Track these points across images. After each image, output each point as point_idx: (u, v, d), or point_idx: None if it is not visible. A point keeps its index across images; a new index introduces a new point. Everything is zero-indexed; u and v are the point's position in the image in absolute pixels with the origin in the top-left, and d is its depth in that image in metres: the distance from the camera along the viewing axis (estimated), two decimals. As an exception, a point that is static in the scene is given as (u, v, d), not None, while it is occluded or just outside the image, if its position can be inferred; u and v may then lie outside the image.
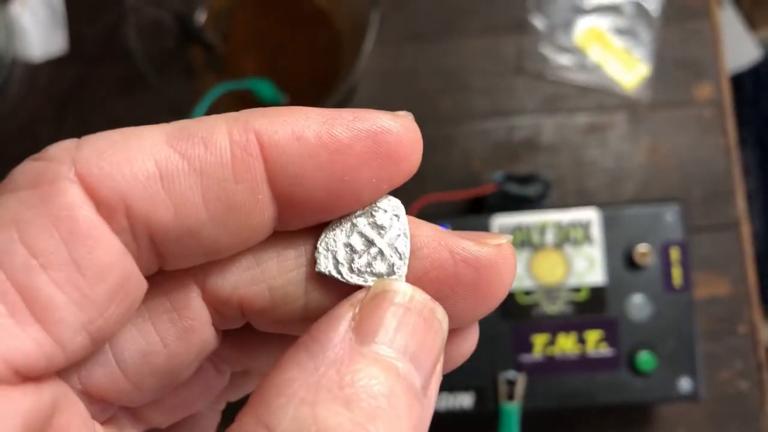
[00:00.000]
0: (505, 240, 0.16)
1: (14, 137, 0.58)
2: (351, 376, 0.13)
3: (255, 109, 0.15)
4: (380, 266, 0.16)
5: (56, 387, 0.14)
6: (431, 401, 0.15)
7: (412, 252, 0.16)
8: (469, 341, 0.17)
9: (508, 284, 0.16)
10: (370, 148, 0.15)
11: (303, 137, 0.14)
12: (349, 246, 0.16)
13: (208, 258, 0.15)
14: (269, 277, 0.16)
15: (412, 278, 0.16)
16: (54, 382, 0.14)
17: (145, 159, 0.13)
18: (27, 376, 0.13)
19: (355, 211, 0.16)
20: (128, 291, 0.14)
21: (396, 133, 0.15)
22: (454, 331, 0.17)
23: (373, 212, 0.16)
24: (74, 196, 0.13)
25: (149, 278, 0.15)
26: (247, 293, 0.16)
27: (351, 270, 0.16)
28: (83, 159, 0.13)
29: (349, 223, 0.16)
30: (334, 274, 0.16)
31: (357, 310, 0.14)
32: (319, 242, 0.16)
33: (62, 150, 0.13)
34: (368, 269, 0.16)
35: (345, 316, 0.14)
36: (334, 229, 0.16)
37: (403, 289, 0.15)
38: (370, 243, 0.16)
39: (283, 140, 0.14)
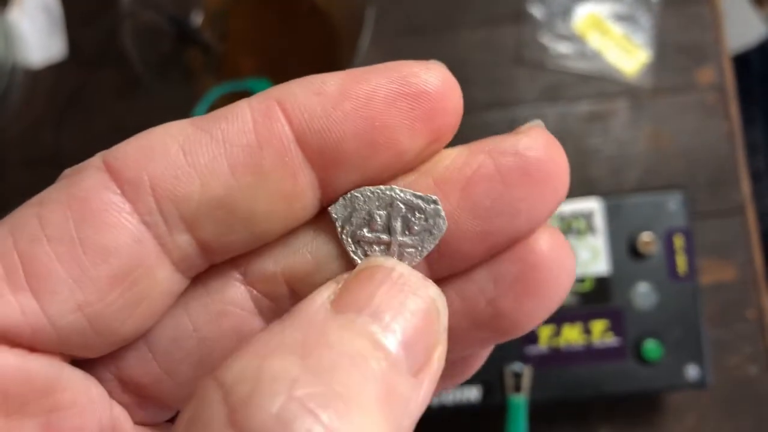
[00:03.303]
0: (535, 123, 0.15)
1: (17, 143, 0.59)
2: (317, 337, 0.12)
3: (273, 87, 0.15)
4: (380, 254, 0.15)
5: (56, 363, 0.14)
6: (423, 390, 0.13)
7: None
8: (559, 256, 0.15)
9: (558, 158, 0.14)
10: (395, 90, 0.14)
11: (323, 92, 0.14)
12: (370, 215, 0.15)
13: (254, 238, 0.14)
14: (307, 241, 0.15)
15: (459, 187, 0.14)
16: (56, 361, 0.14)
17: (167, 139, 0.14)
18: (13, 342, 0.13)
19: (405, 192, 0.15)
20: (136, 280, 0.14)
21: (422, 73, 0.14)
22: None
23: (416, 211, 0.15)
24: (95, 180, 0.13)
25: None
26: (289, 265, 0.15)
27: (353, 235, 0.15)
28: (112, 150, 0.14)
29: (390, 199, 0.15)
30: (338, 225, 0.15)
31: (339, 286, 0.13)
32: (351, 191, 0.15)
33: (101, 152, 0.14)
34: (366, 248, 0.15)
35: (325, 290, 0.13)
36: (372, 192, 0.15)
37: (390, 265, 0.14)
38: (387, 230, 0.15)
39: (303, 99, 0.14)
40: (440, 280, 0.15)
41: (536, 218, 0.14)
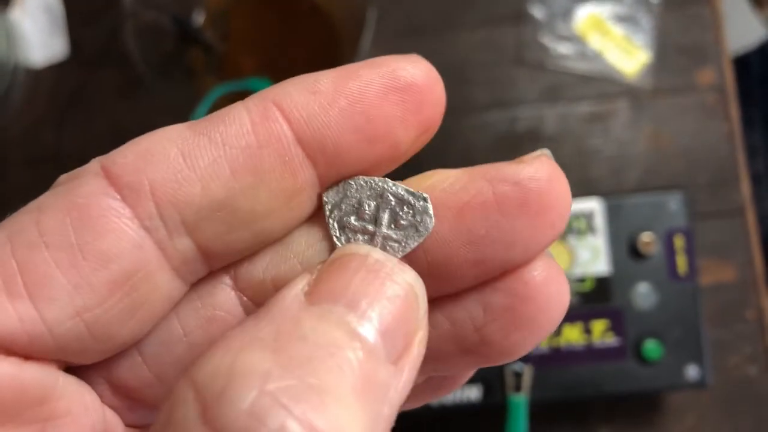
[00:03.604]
0: (540, 152, 0.15)
1: (18, 142, 0.59)
2: (290, 329, 0.12)
3: (268, 87, 0.15)
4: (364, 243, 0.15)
5: (51, 371, 0.14)
6: (403, 377, 0.13)
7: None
8: (552, 287, 0.15)
9: (560, 192, 0.14)
10: (385, 84, 0.14)
11: (318, 90, 0.14)
12: (360, 204, 0.15)
13: (255, 239, 0.15)
14: (298, 251, 0.15)
15: (454, 211, 0.14)
16: (51, 368, 0.14)
17: (166, 143, 0.14)
18: (9, 350, 0.13)
19: (398, 186, 0.15)
20: (136, 285, 0.14)
21: (408, 66, 0.14)
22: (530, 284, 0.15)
23: (405, 206, 0.15)
24: (94, 186, 0.13)
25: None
26: (279, 273, 0.15)
27: (340, 221, 0.15)
28: (110, 155, 0.14)
29: (382, 191, 0.15)
30: (326, 209, 0.15)
31: (313, 276, 0.13)
32: (348, 179, 0.15)
33: (95, 158, 0.14)
34: (350, 234, 0.15)
35: (299, 282, 0.13)
36: (365, 182, 0.15)
37: (365, 252, 0.14)
38: (374, 221, 0.15)
39: (300, 98, 0.14)
40: (430, 301, 0.15)
41: (532, 250, 0.14)
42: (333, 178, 0.15)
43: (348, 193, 0.15)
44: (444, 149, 0.56)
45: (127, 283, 0.13)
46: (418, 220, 0.15)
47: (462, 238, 0.14)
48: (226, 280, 0.15)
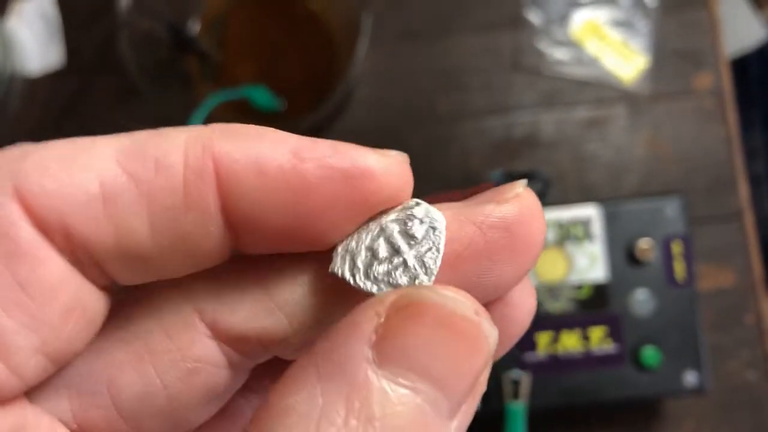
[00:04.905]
0: (521, 188, 0.14)
1: (16, 151, 0.59)
2: (362, 407, 0.11)
3: (223, 126, 0.13)
4: (401, 278, 0.14)
5: (21, 412, 0.13)
6: (462, 423, 0.12)
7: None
8: (527, 303, 0.15)
9: (541, 230, 0.14)
10: (341, 191, 0.13)
11: (264, 171, 0.13)
12: (371, 251, 0.14)
13: (159, 277, 0.14)
14: (282, 303, 0.14)
15: (447, 264, 0.14)
16: (19, 406, 0.13)
17: (89, 178, 0.12)
18: None
19: (387, 214, 0.14)
20: (85, 307, 0.13)
21: (376, 178, 0.13)
22: (510, 304, 0.15)
23: (407, 220, 0.14)
24: (13, 214, 0.12)
25: (149, 310, 0.15)
26: (264, 327, 0.14)
27: (366, 275, 0.14)
28: (25, 174, 0.12)
29: (378, 228, 0.14)
30: (347, 276, 0.14)
31: (381, 321, 0.12)
32: (340, 242, 0.14)
33: (7, 162, 0.12)
34: (386, 278, 0.14)
35: (365, 328, 0.12)
36: (360, 232, 0.14)
37: (441, 301, 0.12)
38: (395, 252, 0.14)
39: (242, 170, 0.13)
40: None
41: (514, 284, 0.15)
42: (249, 247, 0.14)
43: (352, 251, 0.14)
44: (441, 155, 0.56)
45: (77, 307, 0.13)
46: (428, 221, 0.14)
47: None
48: (203, 328, 0.15)
